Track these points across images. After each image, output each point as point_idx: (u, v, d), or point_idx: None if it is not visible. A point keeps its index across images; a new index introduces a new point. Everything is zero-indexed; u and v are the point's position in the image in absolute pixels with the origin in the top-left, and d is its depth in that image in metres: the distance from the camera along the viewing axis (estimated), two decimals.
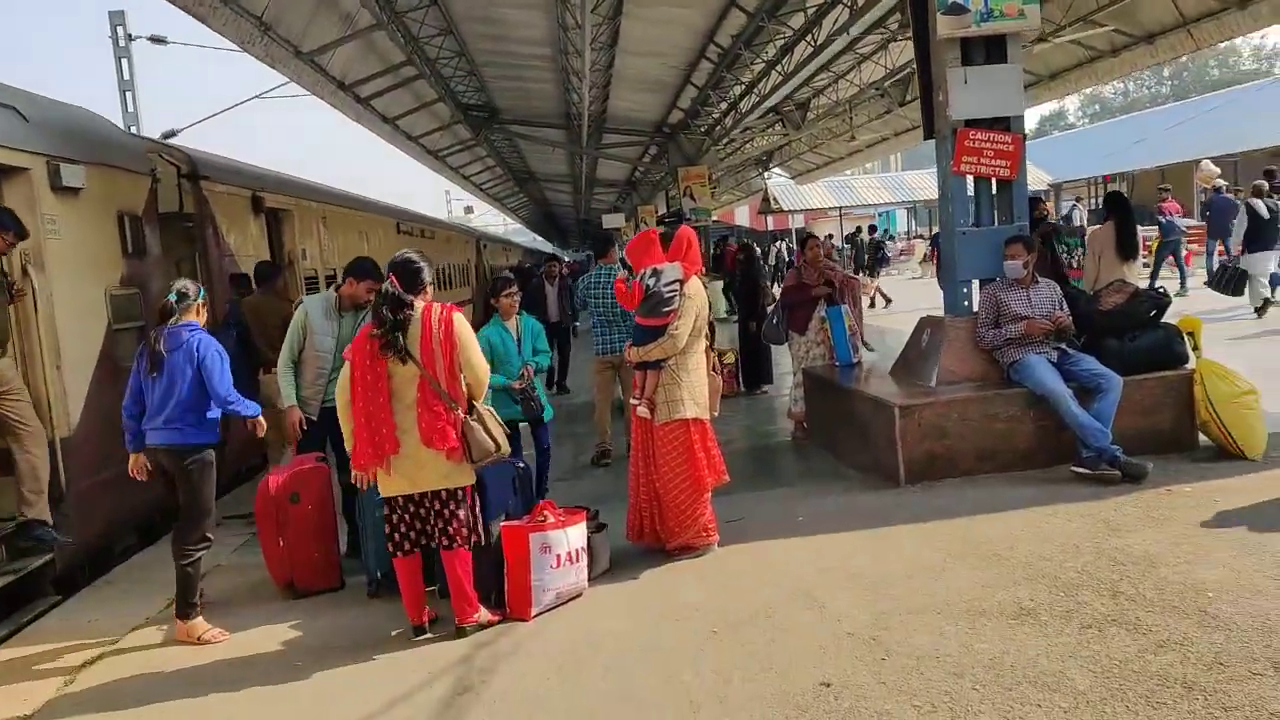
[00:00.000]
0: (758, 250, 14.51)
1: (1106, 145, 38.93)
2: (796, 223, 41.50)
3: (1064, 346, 6.26)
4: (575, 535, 4.67)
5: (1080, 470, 5.83)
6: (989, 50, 6.70)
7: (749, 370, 10.87)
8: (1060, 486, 5.75)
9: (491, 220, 72.94)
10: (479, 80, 17.59)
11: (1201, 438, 6.25)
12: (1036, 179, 36.98)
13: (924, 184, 38.00)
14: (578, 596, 4.70)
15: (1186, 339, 6.21)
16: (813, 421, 8.01)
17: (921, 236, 37.68)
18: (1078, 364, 6.14)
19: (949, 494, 5.87)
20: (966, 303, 6.92)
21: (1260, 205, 12.37)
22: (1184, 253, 16.64)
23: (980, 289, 6.78)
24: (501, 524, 4.72)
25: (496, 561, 4.61)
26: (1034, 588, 4.24)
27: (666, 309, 5.05)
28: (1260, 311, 12.47)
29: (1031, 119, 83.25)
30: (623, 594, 4.74)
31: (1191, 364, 6.26)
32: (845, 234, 39.07)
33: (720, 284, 19.04)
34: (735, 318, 12.99)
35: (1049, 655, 3.60)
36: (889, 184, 39.42)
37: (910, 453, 6.12)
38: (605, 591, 4.79)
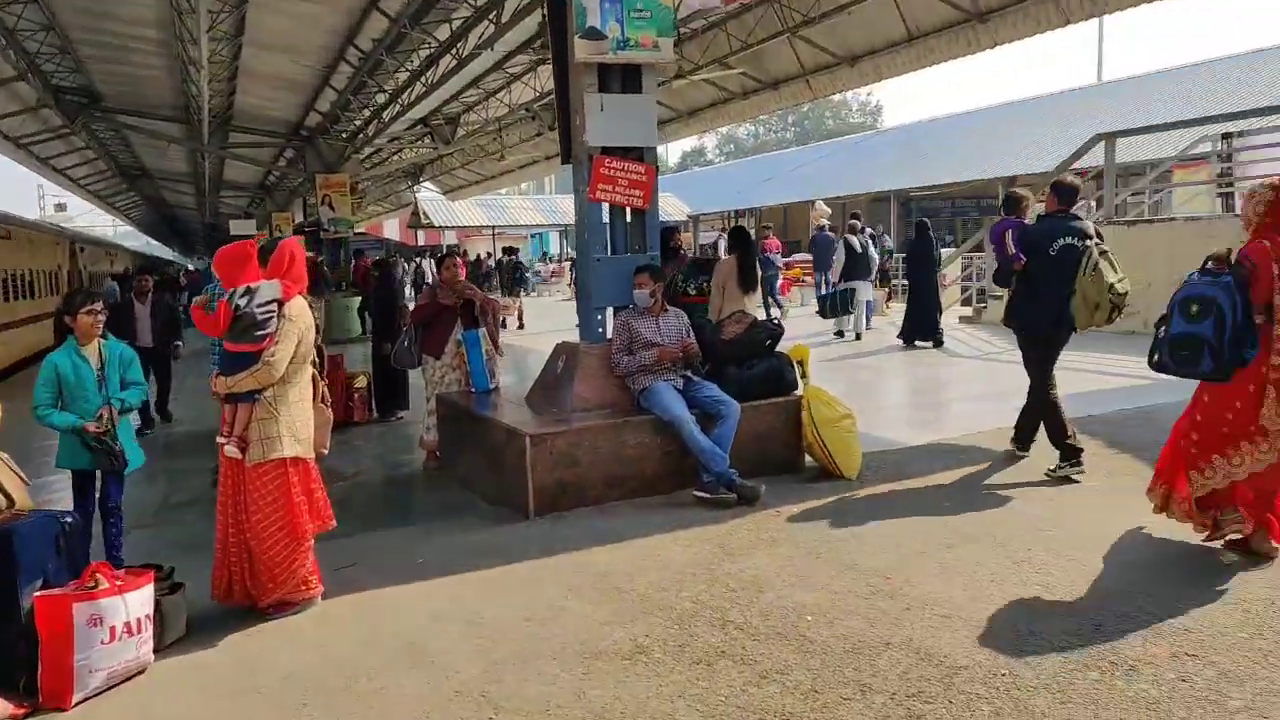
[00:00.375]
0: (403, 266, 13.87)
1: (739, 182, 42.51)
2: (450, 239, 41.03)
3: (689, 374, 6.39)
4: (137, 601, 3.89)
5: (701, 495, 5.93)
6: (625, 79, 6.73)
7: (383, 395, 10.23)
8: (683, 511, 5.81)
9: (99, 221, 64.98)
10: (74, 59, 15.34)
11: (808, 459, 6.64)
12: (677, 210, 39.49)
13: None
14: (139, 673, 3.92)
15: (796, 367, 6.58)
16: (446, 451, 7.61)
17: (571, 260, 38.75)
18: (701, 391, 6.29)
19: (577, 525, 5.72)
20: (601, 329, 6.88)
21: (854, 241, 14.12)
22: (779, 284, 18.53)
23: (615, 315, 6.78)
24: (37, 592, 3.83)
25: (30, 638, 3.72)
26: (650, 622, 4.14)
27: (261, 333, 4.42)
28: (842, 335, 14.17)
29: (674, 154, 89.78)
30: (197, 667, 4.02)
31: (800, 390, 6.64)
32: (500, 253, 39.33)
33: (356, 301, 18.11)
34: (370, 338, 12.26)
35: (659, 696, 3.48)
36: (542, 206, 40.19)
37: (541, 482, 5.91)
38: (175, 665, 4.04)
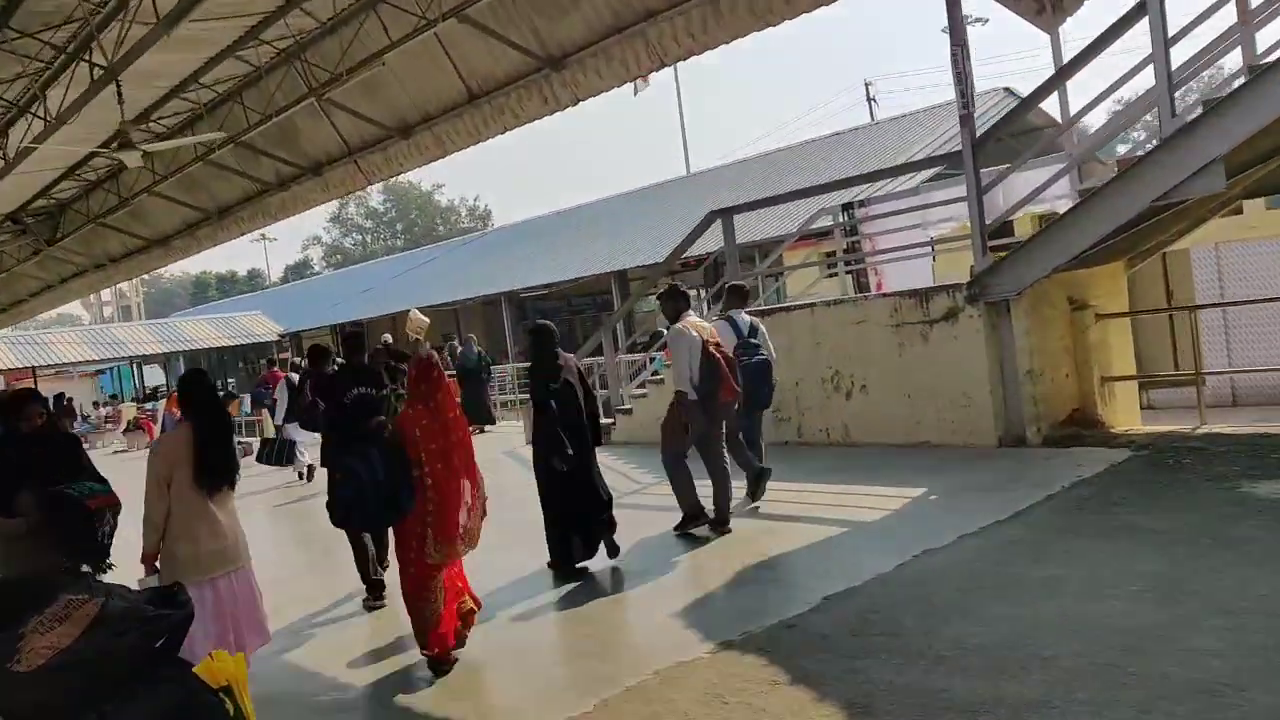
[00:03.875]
0: None
1: (337, 294, 38.45)
2: None
3: None
4: None
5: None
6: None
7: None
8: None
9: None
10: None
11: None
12: (266, 329, 34.49)
13: (198, 332, 32.87)
14: None
15: (224, 699, 3.00)
16: None
17: (150, 397, 31.81)
18: None
19: None
20: None
21: (294, 377, 12.17)
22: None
23: None
24: None
25: None
26: None
27: None
28: (306, 476, 12.04)
29: (276, 269, 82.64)
30: None
31: None
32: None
33: None
34: None
35: None
36: (94, 338, 33.03)
37: None
38: None
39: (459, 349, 17.22)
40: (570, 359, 6.59)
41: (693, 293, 9.20)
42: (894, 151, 20.70)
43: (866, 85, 36.49)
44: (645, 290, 14.14)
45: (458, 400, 5.10)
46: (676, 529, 6.93)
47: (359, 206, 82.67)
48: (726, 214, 10.45)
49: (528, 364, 6.67)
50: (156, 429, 25.20)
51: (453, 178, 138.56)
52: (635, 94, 18.64)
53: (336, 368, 6.84)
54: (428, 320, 17.08)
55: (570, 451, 6.10)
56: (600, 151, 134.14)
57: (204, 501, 4.55)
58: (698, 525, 6.92)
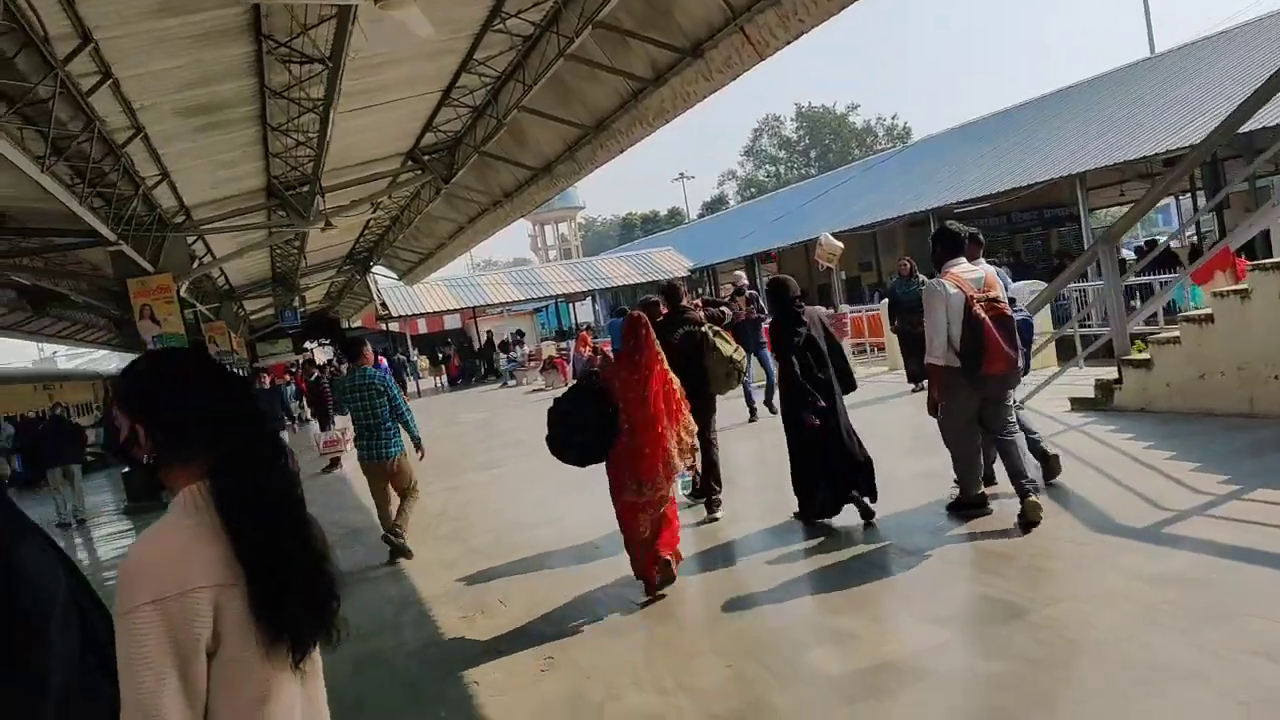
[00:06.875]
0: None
1: (750, 224, 36.61)
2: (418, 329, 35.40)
3: None
4: None
5: None
6: None
7: None
8: None
9: None
10: None
11: None
12: (678, 265, 33.60)
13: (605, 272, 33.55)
14: None
15: None
16: None
17: (565, 335, 32.64)
18: None
19: None
20: None
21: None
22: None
23: None
24: None
25: None
26: None
27: None
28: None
29: (695, 206, 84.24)
30: None
31: None
32: (485, 341, 33.65)
33: None
34: None
35: None
36: (521, 278, 34.40)
37: None
38: None
39: (912, 281, 13.17)
40: (814, 311, 6.64)
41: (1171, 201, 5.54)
42: None
43: None
44: (1165, 190, 9.86)
45: (661, 359, 5.59)
46: (949, 509, 6.21)
47: (772, 137, 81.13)
48: None
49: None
50: (568, 369, 24.85)
51: (868, 97, 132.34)
52: None
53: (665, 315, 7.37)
54: (841, 245, 13.90)
55: (821, 403, 6.20)
56: (1030, 45, 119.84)
57: (281, 675, 1.71)
58: (979, 513, 6.04)
